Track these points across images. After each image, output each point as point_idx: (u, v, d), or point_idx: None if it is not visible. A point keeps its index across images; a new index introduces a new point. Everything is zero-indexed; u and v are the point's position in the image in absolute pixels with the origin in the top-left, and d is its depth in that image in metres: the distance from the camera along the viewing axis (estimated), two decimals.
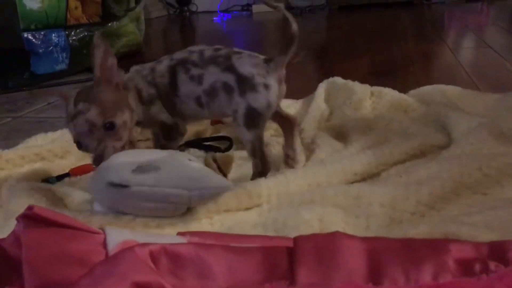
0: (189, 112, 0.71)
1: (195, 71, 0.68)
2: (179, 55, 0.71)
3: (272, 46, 2.29)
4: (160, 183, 0.57)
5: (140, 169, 0.58)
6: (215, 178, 0.61)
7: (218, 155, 0.71)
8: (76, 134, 0.62)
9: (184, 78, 0.69)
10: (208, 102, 0.69)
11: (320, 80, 1.06)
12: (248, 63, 0.67)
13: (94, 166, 0.63)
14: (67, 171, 0.81)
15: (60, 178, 0.79)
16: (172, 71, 0.70)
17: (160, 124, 0.71)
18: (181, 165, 0.60)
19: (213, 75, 0.68)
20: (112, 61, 0.63)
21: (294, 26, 0.65)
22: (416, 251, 0.43)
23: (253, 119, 0.66)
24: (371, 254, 0.43)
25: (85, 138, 0.62)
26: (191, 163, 0.60)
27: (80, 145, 0.63)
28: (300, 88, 1.23)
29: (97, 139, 0.62)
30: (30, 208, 0.44)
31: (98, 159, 0.61)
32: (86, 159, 0.88)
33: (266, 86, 0.65)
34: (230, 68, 0.67)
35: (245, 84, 0.66)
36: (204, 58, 0.69)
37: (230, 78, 0.67)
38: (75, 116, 0.62)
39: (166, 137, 0.72)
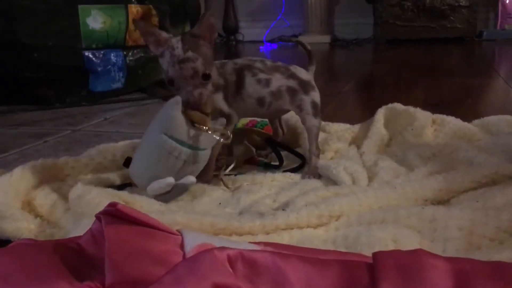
0: (246, 110, 0.83)
1: (262, 76, 0.82)
2: (241, 61, 0.84)
3: (318, 74, 2.29)
4: None
5: None
6: None
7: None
8: (179, 76, 0.72)
9: (251, 80, 0.82)
10: (271, 102, 0.83)
11: (373, 109, 1.03)
12: (303, 72, 0.86)
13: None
14: (128, 181, 0.82)
15: (121, 187, 0.80)
16: (238, 73, 0.81)
17: (218, 111, 0.80)
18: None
19: (279, 81, 0.83)
20: (214, 20, 0.75)
21: (308, 46, 0.90)
22: (509, 275, 0.40)
23: (317, 109, 0.84)
24: (459, 275, 0.41)
25: (184, 81, 0.72)
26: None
27: (172, 83, 0.74)
28: (353, 115, 1.23)
29: (193, 85, 0.73)
30: (112, 204, 0.45)
31: (194, 101, 0.72)
32: None
33: (316, 87, 0.87)
34: (292, 75, 0.84)
35: (307, 86, 0.84)
36: (268, 67, 0.84)
37: (293, 83, 0.84)
38: (183, 61, 0.72)
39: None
